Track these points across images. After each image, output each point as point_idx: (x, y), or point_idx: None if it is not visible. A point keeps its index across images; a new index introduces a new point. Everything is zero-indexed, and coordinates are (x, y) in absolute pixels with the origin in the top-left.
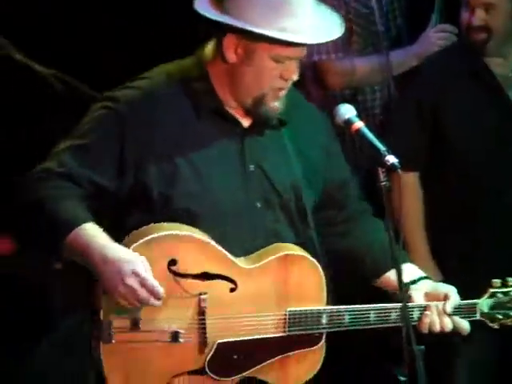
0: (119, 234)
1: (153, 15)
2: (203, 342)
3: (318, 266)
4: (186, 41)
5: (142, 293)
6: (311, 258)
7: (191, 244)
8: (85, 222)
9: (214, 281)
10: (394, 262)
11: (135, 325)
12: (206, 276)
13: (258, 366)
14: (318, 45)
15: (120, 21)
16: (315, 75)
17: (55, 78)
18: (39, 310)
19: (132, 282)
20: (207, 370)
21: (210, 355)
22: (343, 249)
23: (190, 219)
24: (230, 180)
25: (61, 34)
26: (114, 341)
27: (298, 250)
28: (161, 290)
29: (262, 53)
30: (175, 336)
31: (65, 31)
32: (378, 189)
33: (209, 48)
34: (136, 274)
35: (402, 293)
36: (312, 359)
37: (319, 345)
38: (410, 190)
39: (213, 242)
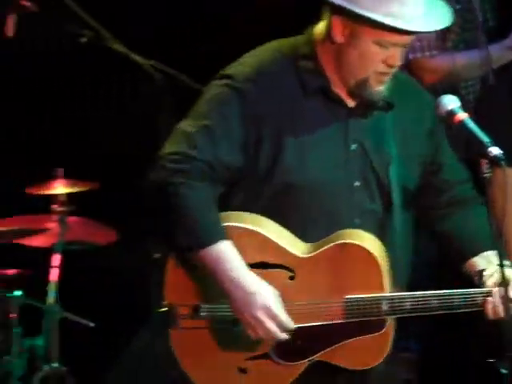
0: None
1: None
2: None
3: (375, 254)
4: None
5: (272, 327)
6: (366, 246)
7: (249, 236)
8: (221, 240)
9: (273, 270)
10: (496, 248)
11: (197, 311)
12: (264, 265)
13: (323, 352)
14: (420, 34)
15: (222, 10)
16: (410, 73)
17: (154, 69)
18: (140, 297)
19: (261, 315)
20: (272, 354)
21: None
22: (439, 231)
23: (290, 194)
24: (331, 158)
25: (162, 26)
26: (179, 327)
27: (357, 238)
28: (291, 324)
29: (366, 36)
30: (235, 322)
31: (164, 23)
32: (479, 181)
33: (319, 27)
34: (266, 309)
35: (503, 283)
36: (378, 345)
37: (383, 331)
38: (510, 187)
39: (267, 233)
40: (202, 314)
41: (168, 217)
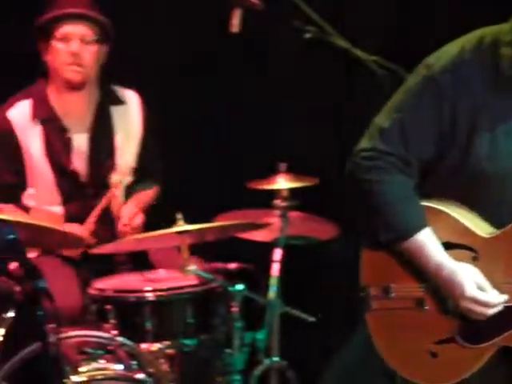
0: None
1: None
2: (446, 310)
3: None
4: None
5: (479, 310)
6: None
7: (436, 215)
8: (421, 228)
9: (457, 250)
10: None
11: (387, 292)
12: (448, 245)
13: (505, 334)
14: None
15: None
16: None
17: (377, 64)
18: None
19: (465, 304)
20: (458, 338)
21: (458, 322)
22: None
23: (483, 182)
24: None
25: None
26: (372, 308)
27: None
28: (496, 299)
29: None
30: (420, 303)
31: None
32: None
33: None
34: (467, 298)
35: None
36: None
37: None
38: None
39: (452, 213)
40: (391, 294)
41: (366, 213)
